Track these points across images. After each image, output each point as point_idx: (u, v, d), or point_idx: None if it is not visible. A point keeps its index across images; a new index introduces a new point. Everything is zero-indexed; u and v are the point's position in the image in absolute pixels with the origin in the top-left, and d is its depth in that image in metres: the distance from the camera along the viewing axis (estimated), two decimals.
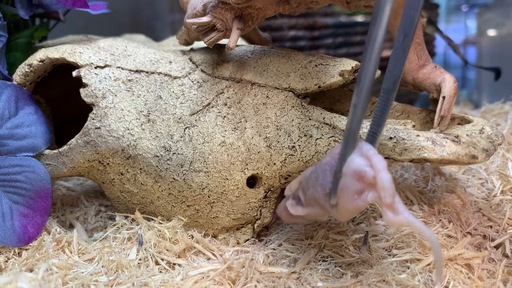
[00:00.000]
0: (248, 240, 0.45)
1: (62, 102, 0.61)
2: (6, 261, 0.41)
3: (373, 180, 0.29)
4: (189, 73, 0.46)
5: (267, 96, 0.43)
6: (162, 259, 0.41)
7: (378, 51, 0.30)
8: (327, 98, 0.51)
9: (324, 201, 0.32)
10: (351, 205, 0.31)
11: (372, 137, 0.32)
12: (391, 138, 0.38)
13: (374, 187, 0.29)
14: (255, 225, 0.44)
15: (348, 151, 0.31)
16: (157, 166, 0.43)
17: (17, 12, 0.49)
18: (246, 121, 0.43)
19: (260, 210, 0.44)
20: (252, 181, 0.43)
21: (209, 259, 0.42)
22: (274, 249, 0.43)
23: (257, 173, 0.42)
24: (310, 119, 0.42)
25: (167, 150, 0.43)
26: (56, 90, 0.60)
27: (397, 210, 0.29)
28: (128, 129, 0.44)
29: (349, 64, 0.43)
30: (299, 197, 0.36)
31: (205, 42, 0.44)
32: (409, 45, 0.31)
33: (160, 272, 0.40)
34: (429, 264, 0.37)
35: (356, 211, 0.31)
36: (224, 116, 0.43)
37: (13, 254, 0.42)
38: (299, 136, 0.42)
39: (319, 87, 0.43)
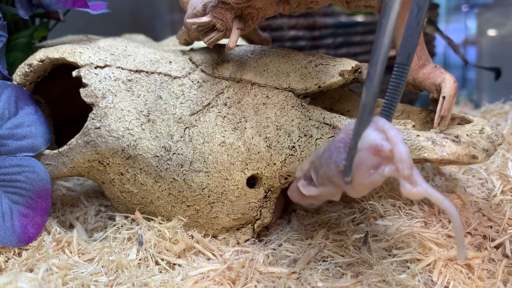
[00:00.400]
0: (248, 240, 0.45)
1: (62, 102, 0.61)
2: (6, 261, 0.41)
3: (390, 153, 0.29)
4: (189, 73, 0.46)
5: (267, 96, 0.43)
6: (162, 259, 0.41)
7: (393, 22, 0.30)
8: (327, 98, 0.51)
9: (338, 178, 0.32)
10: (368, 180, 0.30)
11: (387, 112, 0.32)
12: None
13: (391, 161, 0.29)
14: (255, 225, 0.44)
15: (363, 126, 0.31)
16: (157, 166, 0.43)
17: (17, 12, 0.49)
18: (246, 121, 0.43)
19: (260, 210, 0.44)
20: (252, 181, 0.43)
21: (209, 259, 0.42)
22: (274, 249, 0.43)
23: (257, 173, 0.42)
24: (310, 119, 0.42)
25: (167, 150, 0.43)
26: (56, 90, 0.60)
27: (416, 182, 0.28)
28: (128, 129, 0.44)
29: (349, 64, 0.43)
30: (311, 177, 0.35)
31: (205, 42, 0.44)
32: (423, 18, 0.31)
33: (160, 272, 0.40)
34: (429, 264, 0.37)
35: (372, 186, 0.31)
36: (224, 116, 0.43)
37: (13, 254, 0.42)
38: (299, 136, 0.42)
39: (319, 87, 0.43)
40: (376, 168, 0.30)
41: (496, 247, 0.40)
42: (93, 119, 0.45)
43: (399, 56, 0.32)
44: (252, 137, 0.42)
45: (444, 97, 0.40)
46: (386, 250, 0.40)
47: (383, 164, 0.30)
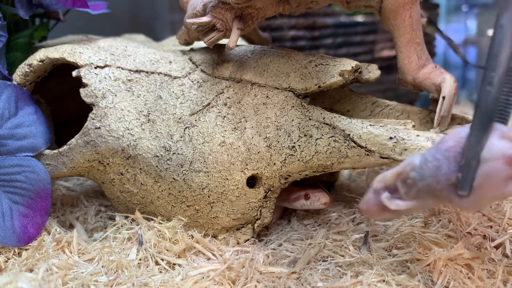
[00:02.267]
0: (248, 240, 0.45)
1: (62, 102, 0.61)
2: (6, 261, 0.41)
3: None
4: (189, 73, 0.46)
5: (267, 96, 0.43)
6: (162, 259, 0.41)
7: None
8: (327, 98, 0.51)
9: (448, 191, 0.29)
10: (501, 192, 0.28)
11: (502, 119, 0.30)
12: (391, 138, 0.38)
13: None
14: (255, 225, 0.44)
15: (484, 134, 0.28)
16: (157, 166, 0.43)
17: (17, 12, 0.49)
18: (246, 121, 0.43)
19: (260, 210, 0.44)
20: (252, 181, 0.43)
21: (209, 259, 0.42)
22: (274, 249, 0.43)
23: (257, 173, 0.42)
24: (310, 119, 0.42)
25: (167, 150, 0.43)
26: (56, 90, 0.60)
27: None
28: (128, 129, 0.44)
29: (349, 64, 0.43)
30: (394, 189, 0.33)
31: (205, 42, 0.44)
32: None
33: (160, 272, 0.40)
34: (429, 264, 0.37)
35: (503, 199, 0.30)
36: (224, 116, 0.43)
37: (13, 254, 0.42)
38: (299, 136, 0.42)
39: (319, 87, 0.43)
40: (510, 180, 0.28)
41: (496, 247, 0.40)
42: (93, 119, 0.45)
43: None
44: (252, 137, 0.42)
45: (444, 97, 0.40)
46: (386, 250, 0.40)
47: None
